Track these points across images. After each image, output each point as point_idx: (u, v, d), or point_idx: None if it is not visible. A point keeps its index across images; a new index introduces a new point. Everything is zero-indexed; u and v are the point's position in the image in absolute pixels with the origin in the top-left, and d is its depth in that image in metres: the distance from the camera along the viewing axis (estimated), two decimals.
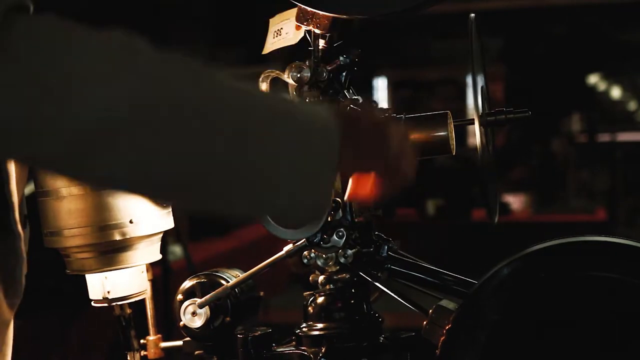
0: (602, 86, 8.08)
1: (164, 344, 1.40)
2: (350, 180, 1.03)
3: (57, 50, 0.77)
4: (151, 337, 1.40)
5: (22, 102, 0.75)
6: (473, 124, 1.21)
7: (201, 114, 0.81)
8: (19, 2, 0.78)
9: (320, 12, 1.19)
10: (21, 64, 0.75)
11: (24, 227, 1.26)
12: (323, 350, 1.25)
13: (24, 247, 1.14)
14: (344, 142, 0.88)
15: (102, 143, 0.77)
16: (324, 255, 1.24)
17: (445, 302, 1.21)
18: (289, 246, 1.24)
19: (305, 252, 1.25)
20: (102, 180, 0.84)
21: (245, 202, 0.87)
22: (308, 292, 1.30)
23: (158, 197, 1.04)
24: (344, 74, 1.27)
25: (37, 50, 0.76)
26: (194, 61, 0.83)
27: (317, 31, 1.22)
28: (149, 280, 1.36)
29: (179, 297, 1.30)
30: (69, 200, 1.24)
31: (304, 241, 1.22)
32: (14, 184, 1.13)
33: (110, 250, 1.26)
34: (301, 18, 1.23)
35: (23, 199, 1.24)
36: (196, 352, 1.32)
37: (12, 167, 1.12)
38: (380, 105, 1.27)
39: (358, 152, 0.94)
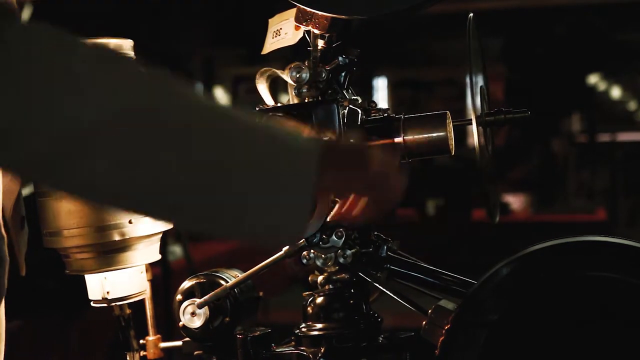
0: (602, 86, 8.07)
1: (163, 344, 1.40)
2: (337, 202, 1.02)
3: (41, 59, 0.77)
4: (150, 338, 1.40)
5: (3, 106, 0.76)
6: (472, 124, 1.21)
7: (181, 133, 0.80)
8: (4, 9, 0.79)
9: (319, 13, 1.19)
10: (6, 70, 0.76)
11: (21, 227, 1.26)
12: (322, 351, 1.25)
13: (6, 249, 1.13)
14: (323, 166, 0.86)
15: (78, 150, 0.77)
16: (323, 256, 1.24)
17: (444, 302, 1.21)
18: (288, 246, 1.24)
19: (305, 253, 1.24)
20: (77, 188, 0.83)
21: (223, 225, 0.86)
22: (307, 293, 1.30)
23: (131, 209, 0.99)
24: (343, 74, 1.27)
25: (23, 57, 0.76)
26: (180, 80, 0.82)
27: (316, 31, 1.22)
28: (148, 280, 1.36)
29: (178, 297, 1.30)
30: (68, 201, 1.24)
31: (303, 241, 1.22)
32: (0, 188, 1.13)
33: (109, 250, 1.26)
34: (300, 18, 1.23)
35: (20, 200, 1.24)
36: (195, 353, 1.32)
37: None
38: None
39: (338, 174, 0.92)
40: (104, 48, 0.81)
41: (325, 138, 0.96)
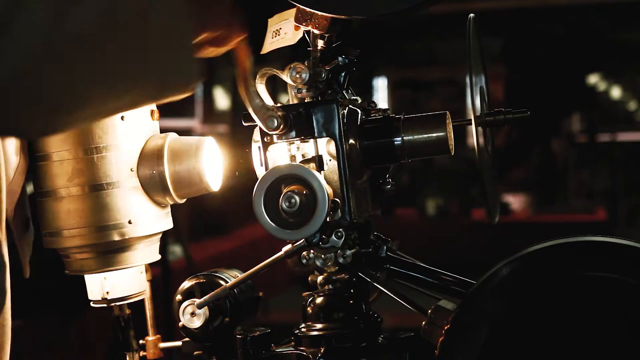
0: (602, 86, 8.08)
1: (163, 345, 1.40)
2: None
3: None
4: (150, 338, 1.40)
5: None
6: (471, 124, 1.21)
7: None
8: None
9: (319, 13, 1.19)
10: None
11: (26, 229, 1.26)
12: (322, 351, 1.25)
13: (6, 253, 1.13)
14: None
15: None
16: (322, 256, 1.24)
17: (444, 302, 1.20)
18: (288, 246, 1.24)
19: (304, 253, 1.24)
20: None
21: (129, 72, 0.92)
22: (307, 293, 1.30)
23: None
24: (342, 74, 1.27)
25: None
26: None
27: (316, 31, 1.22)
28: (148, 280, 1.36)
29: (178, 297, 1.30)
30: (68, 201, 1.23)
31: (302, 241, 1.22)
32: (4, 192, 1.13)
33: (109, 250, 1.26)
34: (300, 18, 1.23)
35: (25, 201, 1.24)
36: (195, 353, 1.32)
37: (2, 176, 1.12)
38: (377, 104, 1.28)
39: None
40: None
41: None
